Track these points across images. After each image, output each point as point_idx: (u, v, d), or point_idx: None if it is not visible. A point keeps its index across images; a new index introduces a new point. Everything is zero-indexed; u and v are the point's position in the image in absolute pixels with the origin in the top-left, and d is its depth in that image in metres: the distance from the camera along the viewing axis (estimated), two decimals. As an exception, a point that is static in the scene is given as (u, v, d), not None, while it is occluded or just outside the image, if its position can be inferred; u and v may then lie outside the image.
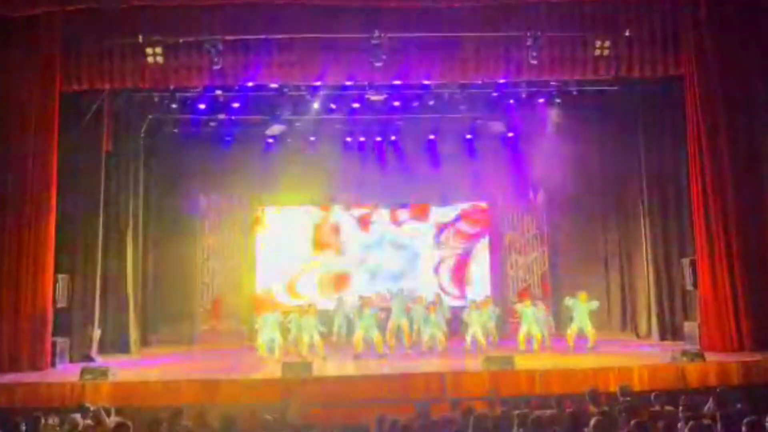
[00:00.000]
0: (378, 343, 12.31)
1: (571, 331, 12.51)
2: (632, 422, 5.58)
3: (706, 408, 7.07)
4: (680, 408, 6.71)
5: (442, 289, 15.94)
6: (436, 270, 16.45)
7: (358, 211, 16.59)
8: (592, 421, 5.38)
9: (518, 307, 13.28)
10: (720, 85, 11.75)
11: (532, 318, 12.61)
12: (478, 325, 12.50)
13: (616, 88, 13.83)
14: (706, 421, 5.66)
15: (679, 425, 6.02)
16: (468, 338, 12.50)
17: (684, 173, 12.54)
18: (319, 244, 16.51)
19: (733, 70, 11.77)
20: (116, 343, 13.47)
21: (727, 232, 11.51)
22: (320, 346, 12.19)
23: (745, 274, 11.40)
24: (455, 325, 13.30)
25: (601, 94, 14.20)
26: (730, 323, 11.35)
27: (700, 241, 11.73)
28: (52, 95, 11.53)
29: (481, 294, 15.03)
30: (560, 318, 14.13)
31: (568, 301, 12.84)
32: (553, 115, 14.73)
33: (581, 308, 12.56)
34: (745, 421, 5.26)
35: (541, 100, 14.38)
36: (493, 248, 16.56)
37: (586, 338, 12.48)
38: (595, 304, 12.65)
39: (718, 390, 7.85)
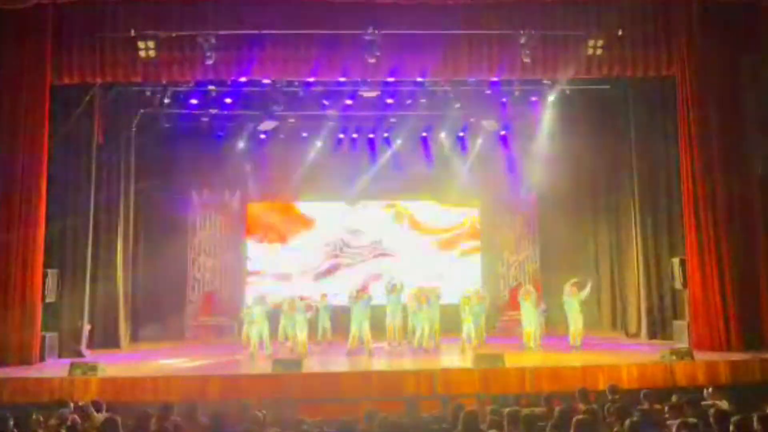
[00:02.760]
0: (368, 339, 12.32)
1: (569, 326, 12.55)
2: (626, 422, 5.60)
3: (693, 407, 7.12)
4: (667, 407, 6.74)
5: (431, 285, 15.88)
6: (427, 266, 16.43)
7: (349, 207, 16.56)
8: (574, 420, 5.38)
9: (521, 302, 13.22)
10: (711, 84, 11.81)
11: (530, 313, 12.64)
12: (472, 321, 12.50)
13: (608, 87, 13.88)
14: (692, 420, 5.69)
15: (667, 424, 6.05)
16: (463, 334, 12.50)
17: (675, 173, 12.60)
18: (308, 240, 16.48)
19: (724, 69, 11.84)
20: (106, 338, 13.43)
21: (717, 231, 11.59)
22: (305, 343, 12.29)
23: (734, 273, 11.48)
24: (446, 321, 13.28)
25: (593, 93, 14.25)
26: (719, 322, 11.42)
27: (690, 240, 11.80)
28: (43, 88, 11.45)
29: (471, 290, 15.01)
30: (552, 315, 14.14)
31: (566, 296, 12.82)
32: (545, 113, 14.79)
33: (571, 300, 12.61)
34: (732, 420, 5.29)
35: (534, 99, 14.41)
36: (485, 246, 16.58)
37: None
38: (585, 292, 12.63)
39: (706, 389, 7.91)
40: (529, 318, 12.61)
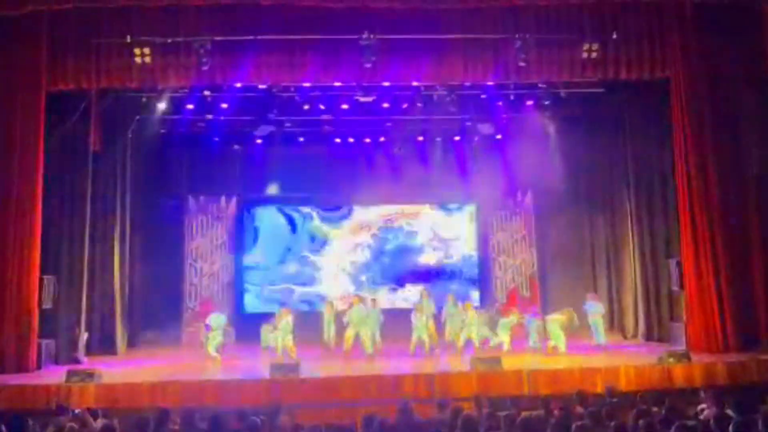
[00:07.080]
0: (366, 343, 12.31)
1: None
2: (613, 424, 5.59)
3: (699, 409, 7.12)
4: (664, 409, 6.73)
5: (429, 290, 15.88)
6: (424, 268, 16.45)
7: (346, 212, 16.56)
8: (574, 426, 5.37)
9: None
10: (705, 86, 11.88)
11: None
12: (474, 326, 12.47)
13: (603, 90, 13.91)
14: (691, 423, 5.69)
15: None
16: (461, 339, 12.48)
17: (670, 174, 12.64)
18: (307, 245, 16.48)
19: (718, 71, 11.91)
20: (103, 345, 13.40)
21: (712, 233, 11.62)
22: (293, 347, 12.30)
23: (729, 274, 11.51)
24: (440, 325, 13.26)
25: (588, 96, 14.29)
26: (715, 324, 11.45)
27: (686, 242, 11.83)
28: (38, 95, 11.44)
29: (468, 296, 15.05)
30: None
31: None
32: (541, 116, 14.83)
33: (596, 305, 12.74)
34: (732, 422, 5.27)
35: (529, 102, 14.44)
36: (482, 249, 16.59)
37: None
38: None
39: (704, 391, 7.90)
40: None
